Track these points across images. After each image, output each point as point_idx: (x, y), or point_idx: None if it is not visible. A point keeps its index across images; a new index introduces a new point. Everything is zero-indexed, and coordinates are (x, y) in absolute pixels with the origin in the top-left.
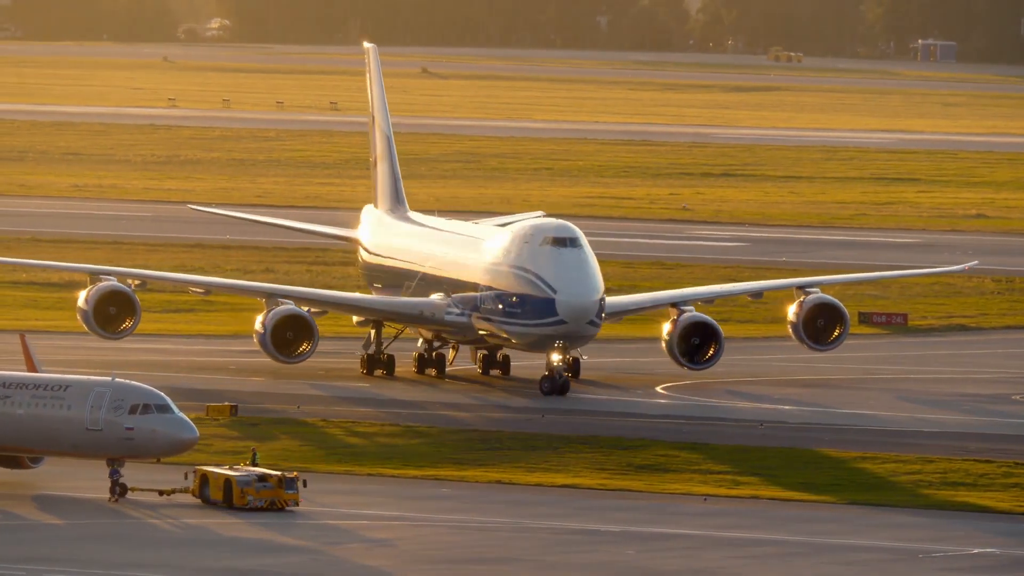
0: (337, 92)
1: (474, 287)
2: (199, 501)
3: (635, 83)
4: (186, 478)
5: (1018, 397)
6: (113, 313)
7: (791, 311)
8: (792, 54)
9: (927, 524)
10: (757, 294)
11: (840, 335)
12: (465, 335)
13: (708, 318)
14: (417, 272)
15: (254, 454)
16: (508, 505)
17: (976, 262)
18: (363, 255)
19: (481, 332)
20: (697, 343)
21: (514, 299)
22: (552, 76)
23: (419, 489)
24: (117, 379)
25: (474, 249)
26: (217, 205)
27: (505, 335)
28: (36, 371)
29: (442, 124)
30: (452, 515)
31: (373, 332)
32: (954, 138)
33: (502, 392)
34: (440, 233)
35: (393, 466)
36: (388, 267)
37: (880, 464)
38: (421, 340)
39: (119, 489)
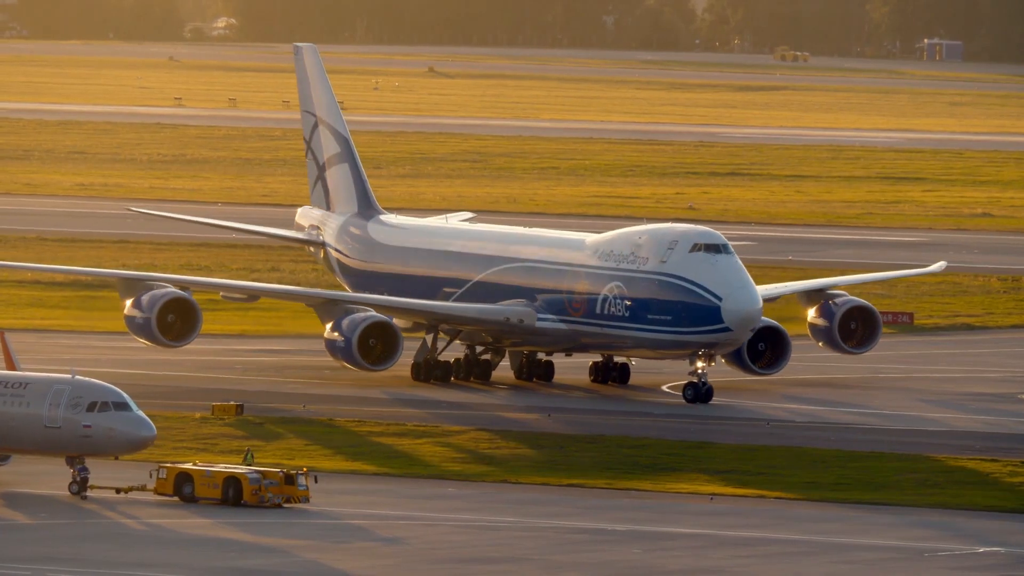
0: (343, 91)
1: (586, 294)
2: (164, 499)
3: (641, 83)
4: (151, 476)
5: None
6: (171, 321)
7: (816, 314)
8: (798, 53)
9: (933, 523)
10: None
11: (874, 337)
12: (556, 342)
13: (777, 323)
14: (465, 279)
15: (248, 453)
16: (514, 504)
17: (944, 263)
18: (343, 260)
19: (586, 340)
20: (763, 348)
21: (661, 306)
22: (558, 75)
23: (425, 488)
24: (77, 376)
25: (575, 254)
26: (226, 206)
27: (634, 343)
28: (15, 369)
29: (449, 123)
30: (458, 514)
31: (430, 338)
32: (960, 137)
33: (508, 393)
34: (497, 236)
35: (399, 465)
36: (403, 273)
37: (886, 463)
38: (465, 346)
39: (77, 487)
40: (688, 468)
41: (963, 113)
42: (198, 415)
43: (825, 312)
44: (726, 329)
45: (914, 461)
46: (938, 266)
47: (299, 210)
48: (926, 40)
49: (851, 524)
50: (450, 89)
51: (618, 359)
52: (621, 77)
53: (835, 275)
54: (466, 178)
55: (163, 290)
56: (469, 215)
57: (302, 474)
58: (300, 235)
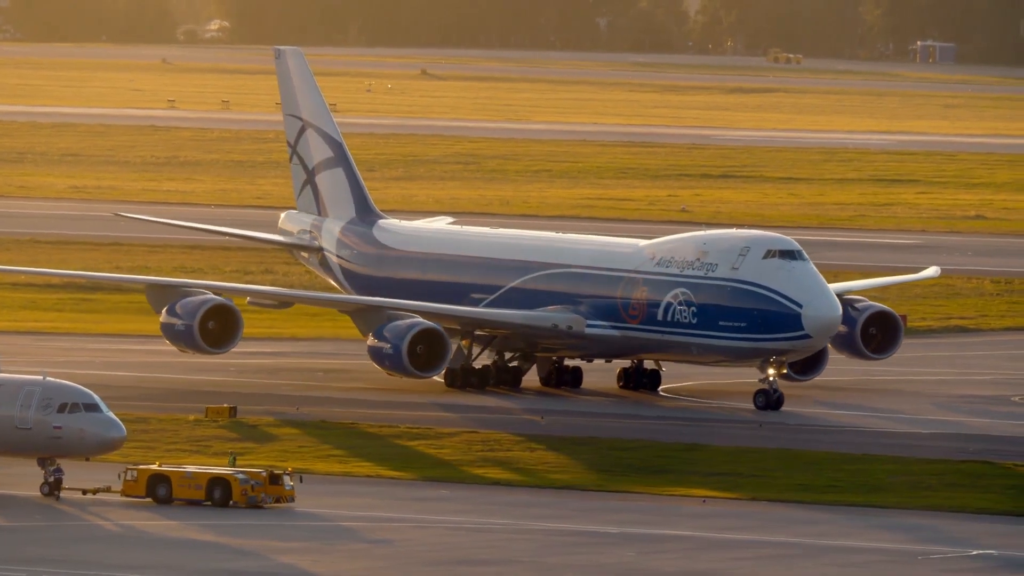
0: (335, 94)
1: (646, 300)
2: (133, 501)
3: (634, 84)
4: (119, 477)
5: (1017, 399)
6: (211, 328)
7: None
8: (791, 55)
9: (925, 526)
10: None
11: (896, 342)
12: (607, 349)
13: None
14: (496, 286)
15: (231, 458)
16: (506, 506)
17: (937, 268)
18: (347, 266)
19: (641, 346)
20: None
21: (735, 313)
22: (551, 77)
23: (417, 490)
24: (48, 378)
25: (628, 260)
26: (219, 208)
27: (701, 349)
28: None
29: (441, 125)
30: (450, 516)
31: (467, 344)
32: (953, 139)
33: (501, 396)
34: (533, 242)
35: (392, 467)
36: (423, 279)
37: (879, 465)
38: (495, 354)
39: (48, 488)
40: (680, 470)
41: (956, 115)
42: (192, 417)
43: (845, 318)
44: (806, 336)
45: (907, 463)
46: (932, 271)
47: (284, 215)
48: (919, 42)
49: (844, 526)
50: (443, 91)
51: (647, 364)
52: (614, 79)
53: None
54: (459, 180)
55: (202, 296)
56: (449, 219)
57: (287, 474)
58: (293, 240)
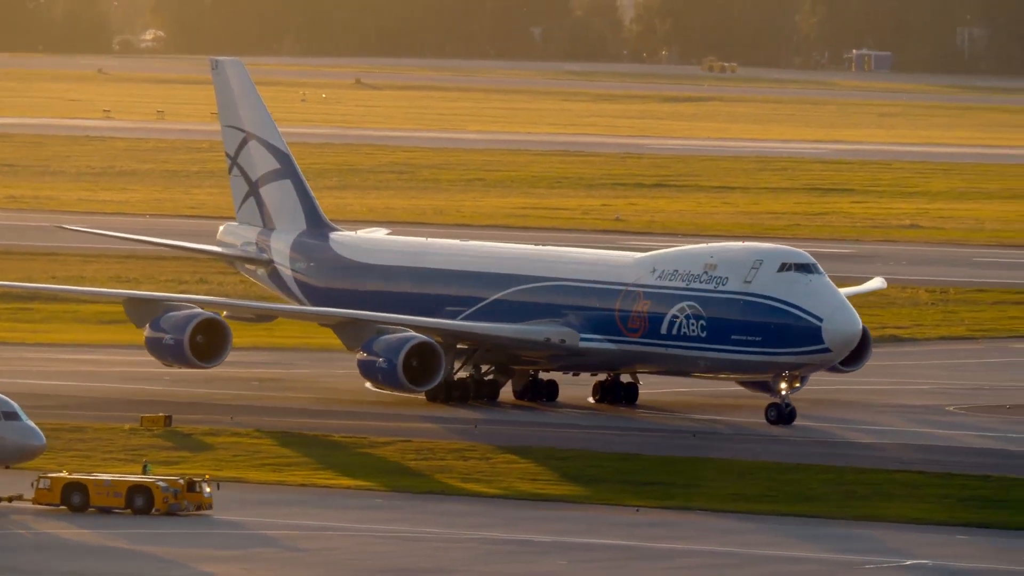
0: (270, 103)
1: (647, 314)
2: (47, 509)
3: (569, 93)
4: (32, 485)
5: (952, 408)
6: (199, 342)
7: None
8: (726, 64)
9: (860, 536)
10: None
11: (865, 353)
12: (601, 362)
13: None
14: (477, 298)
15: (145, 466)
16: (440, 515)
17: (883, 280)
18: (302, 279)
19: (640, 360)
20: None
21: (748, 327)
22: (486, 87)
23: (351, 499)
24: None
25: (624, 273)
26: (154, 218)
27: (709, 363)
28: None
29: (375, 135)
30: (384, 525)
31: (448, 358)
32: (888, 148)
33: (441, 406)
34: (513, 255)
35: (325, 476)
36: (391, 291)
37: (813, 475)
38: (472, 367)
39: None
40: (614, 480)
41: (891, 124)
42: (127, 426)
43: None
44: (825, 350)
45: (840, 473)
46: (878, 282)
47: (223, 227)
48: (855, 51)
49: (777, 536)
50: (377, 100)
51: (624, 378)
52: (548, 88)
53: None
54: (393, 189)
55: (188, 311)
56: (384, 231)
57: (205, 481)
58: (238, 252)
